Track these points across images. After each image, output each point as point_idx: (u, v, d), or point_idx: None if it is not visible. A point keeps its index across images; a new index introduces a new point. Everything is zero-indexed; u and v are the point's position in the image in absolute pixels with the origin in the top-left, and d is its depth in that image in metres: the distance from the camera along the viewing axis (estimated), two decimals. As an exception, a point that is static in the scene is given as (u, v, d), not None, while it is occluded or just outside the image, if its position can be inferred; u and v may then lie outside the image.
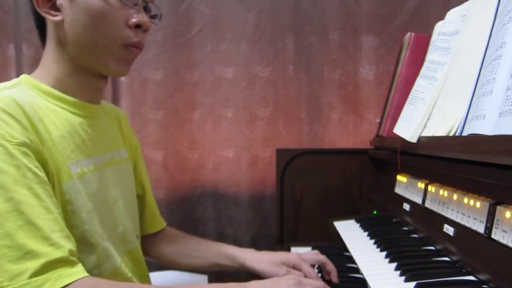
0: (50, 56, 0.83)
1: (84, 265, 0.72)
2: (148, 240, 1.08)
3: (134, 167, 1.05)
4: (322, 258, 0.95)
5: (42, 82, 0.80)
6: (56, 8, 0.78)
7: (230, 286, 0.79)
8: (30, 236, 0.63)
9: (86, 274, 0.66)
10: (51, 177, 0.71)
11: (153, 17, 0.87)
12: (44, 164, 0.70)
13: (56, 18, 0.78)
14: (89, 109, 0.85)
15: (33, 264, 0.61)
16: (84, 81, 0.84)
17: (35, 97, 0.77)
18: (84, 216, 0.76)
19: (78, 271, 0.65)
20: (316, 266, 0.99)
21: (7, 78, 1.60)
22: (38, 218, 0.64)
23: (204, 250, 1.05)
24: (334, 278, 0.92)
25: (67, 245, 0.66)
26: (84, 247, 0.76)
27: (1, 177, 0.64)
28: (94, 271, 0.77)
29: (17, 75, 1.57)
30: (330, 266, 0.94)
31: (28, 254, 0.62)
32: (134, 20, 0.80)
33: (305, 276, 0.93)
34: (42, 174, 0.68)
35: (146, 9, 0.85)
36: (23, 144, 0.67)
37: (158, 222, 1.11)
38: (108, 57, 0.81)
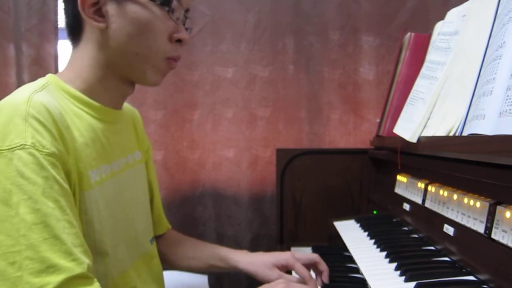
0: (83, 59, 0.81)
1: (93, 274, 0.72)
2: None
3: (147, 169, 1.05)
4: (315, 257, 0.95)
5: (69, 85, 0.79)
6: (101, 14, 0.77)
7: None
8: (54, 250, 0.62)
9: None
10: (73, 187, 0.71)
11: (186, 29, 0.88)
12: (68, 175, 0.70)
13: (101, 25, 0.77)
14: (112, 114, 0.85)
15: (55, 279, 0.61)
16: (114, 87, 0.83)
17: (62, 100, 0.76)
18: (97, 226, 0.76)
19: (96, 287, 0.65)
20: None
21: (7, 78, 1.62)
22: (63, 232, 0.64)
23: (200, 252, 1.06)
24: (325, 278, 0.92)
25: (86, 261, 0.65)
26: (94, 256, 0.74)
27: (30, 188, 0.63)
28: (101, 280, 0.76)
29: (17, 75, 1.59)
30: (323, 266, 0.94)
31: (51, 268, 0.61)
32: (177, 35, 0.82)
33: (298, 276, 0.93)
34: (67, 186, 0.68)
35: (183, 23, 0.86)
36: (52, 155, 0.66)
37: (164, 225, 1.12)
38: (147, 68, 0.81)
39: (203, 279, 1.50)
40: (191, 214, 1.67)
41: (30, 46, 1.59)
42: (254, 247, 1.65)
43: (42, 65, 1.58)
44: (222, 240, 1.65)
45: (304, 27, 1.63)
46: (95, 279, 0.66)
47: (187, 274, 1.53)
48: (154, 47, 0.79)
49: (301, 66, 1.64)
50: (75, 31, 0.82)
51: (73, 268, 0.62)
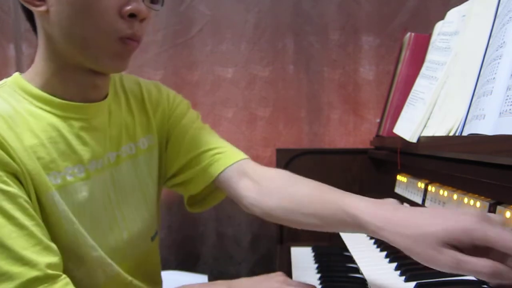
0: (39, 53, 0.75)
1: (74, 274, 0.70)
2: (232, 186, 0.92)
3: (179, 135, 0.94)
4: None
5: (30, 83, 0.74)
6: None
7: (217, 284, 0.78)
8: (1, 258, 0.61)
9: (68, 287, 0.65)
10: (26, 186, 0.67)
11: (154, 1, 0.75)
12: (14, 174, 0.66)
13: (40, 9, 0.69)
14: (84, 109, 0.77)
15: (8, 286, 0.60)
16: (75, 79, 0.75)
17: (17, 101, 0.72)
18: (68, 228, 0.72)
19: (59, 286, 0.64)
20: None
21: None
22: (9, 238, 0.62)
23: (319, 207, 0.79)
24: None
25: (43, 260, 0.63)
26: (72, 257, 0.72)
27: None
28: (85, 279, 0.74)
29: (17, 75, 1.59)
30: None
31: (2, 277, 0.60)
32: (127, 8, 0.69)
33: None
34: (10, 188, 0.64)
35: None
36: None
37: (235, 155, 0.93)
38: (100, 52, 0.71)
39: (203, 279, 1.50)
40: (191, 214, 1.66)
41: (30, 46, 1.59)
42: (254, 247, 1.65)
43: (42, 65, 1.58)
44: (222, 240, 1.65)
45: (304, 27, 1.63)
46: (61, 277, 0.65)
47: (187, 274, 1.53)
48: (101, 27, 0.69)
49: (301, 66, 1.64)
50: (32, 26, 0.76)
51: (24, 272, 0.61)
